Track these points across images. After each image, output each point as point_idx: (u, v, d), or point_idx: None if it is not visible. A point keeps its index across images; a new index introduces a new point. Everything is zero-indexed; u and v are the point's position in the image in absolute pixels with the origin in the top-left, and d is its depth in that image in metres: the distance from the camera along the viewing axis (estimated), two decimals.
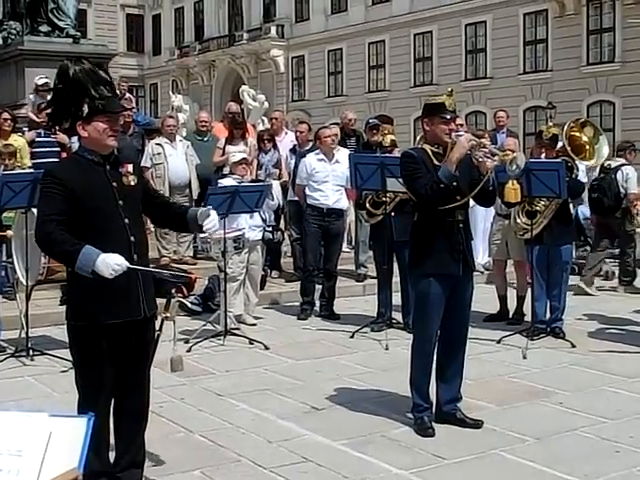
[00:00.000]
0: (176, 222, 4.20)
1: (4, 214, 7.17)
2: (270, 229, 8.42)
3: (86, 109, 3.74)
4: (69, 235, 3.63)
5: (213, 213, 3.99)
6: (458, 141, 4.83)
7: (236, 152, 9.20)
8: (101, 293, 3.72)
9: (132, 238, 3.78)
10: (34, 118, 10.49)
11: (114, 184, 3.81)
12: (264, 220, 8.28)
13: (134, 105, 14.36)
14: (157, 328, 3.97)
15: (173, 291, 4.05)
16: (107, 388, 3.86)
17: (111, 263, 3.54)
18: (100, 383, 3.82)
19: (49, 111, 4.04)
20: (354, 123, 11.30)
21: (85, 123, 3.77)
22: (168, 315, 3.93)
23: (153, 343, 3.97)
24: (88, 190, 3.72)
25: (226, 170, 9.24)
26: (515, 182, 5.55)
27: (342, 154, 8.88)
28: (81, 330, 3.82)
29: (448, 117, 4.94)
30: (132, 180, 3.88)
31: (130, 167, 3.92)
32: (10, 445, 1.94)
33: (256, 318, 8.40)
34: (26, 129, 10.38)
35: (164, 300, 3.96)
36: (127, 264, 3.60)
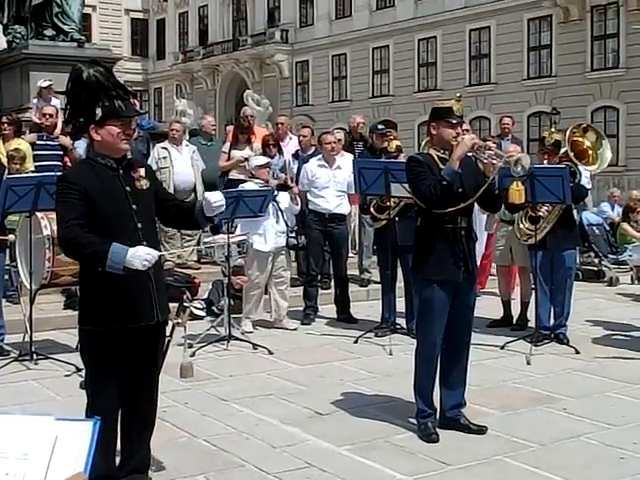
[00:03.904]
0: (186, 220, 4.14)
1: (8, 217, 7.17)
2: (293, 234, 8.41)
3: (99, 113, 3.73)
4: (94, 236, 3.63)
5: (216, 194, 3.98)
6: (461, 140, 4.84)
7: (251, 155, 9.25)
8: (114, 297, 3.72)
9: (145, 242, 3.75)
10: (36, 121, 10.51)
11: (127, 188, 3.81)
12: (287, 225, 8.27)
13: (145, 110, 14.49)
14: (168, 334, 3.95)
15: (184, 297, 4.06)
16: (116, 393, 3.84)
17: (142, 255, 3.55)
18: (109, 388, 3.81)
19: (64, 116, 4.02)
20: (362, 127, 11.29)
21: (98, 127, 3.76)
22: (180, 321, 3.93)
23: (164, 349, 3.95)
24: (101, 194, 3.72)
25: (232, 175, 9.24)
26: (519, 183, 5.54)
27: (346, 159, 8.86)
28: (92, 334, 3.81)
29: (454, 121, 4.94)
30: (145, 184, 3.88)
31: (142, 171, 3.91)
32: (16, 449, 1.94)
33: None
34: (27, 131, 10.40)
35: (175, 305, 3.95)
36: (157, 252, 3.62)
